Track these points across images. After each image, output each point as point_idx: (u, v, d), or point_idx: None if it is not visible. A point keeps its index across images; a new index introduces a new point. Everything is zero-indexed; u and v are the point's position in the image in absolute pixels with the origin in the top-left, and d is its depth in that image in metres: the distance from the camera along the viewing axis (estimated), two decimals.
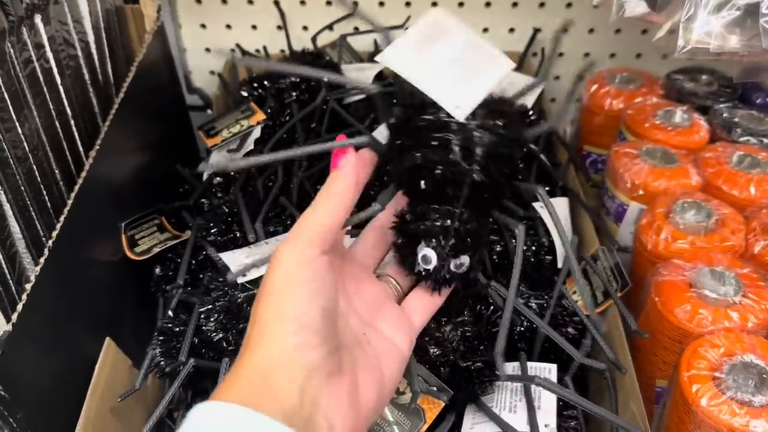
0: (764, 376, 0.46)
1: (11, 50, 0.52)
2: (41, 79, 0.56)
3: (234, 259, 0.53)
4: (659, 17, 0.52)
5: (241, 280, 0.51)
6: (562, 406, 0.51)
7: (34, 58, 0.55)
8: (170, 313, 0.55)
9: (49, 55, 0.58)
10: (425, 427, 0.48)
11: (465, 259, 0.42)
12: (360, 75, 0.85)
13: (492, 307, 0.53)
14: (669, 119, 0.68)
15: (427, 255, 0.42)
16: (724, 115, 0.69)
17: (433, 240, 0.42)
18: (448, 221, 0.42)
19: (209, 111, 0.91)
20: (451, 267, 0.42)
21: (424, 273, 0.43)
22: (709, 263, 0.53)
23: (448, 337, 0.49)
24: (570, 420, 0.51)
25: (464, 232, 0.42)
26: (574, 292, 0.61)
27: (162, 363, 0.52)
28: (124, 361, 0.58)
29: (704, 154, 0.64)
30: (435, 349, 0.49)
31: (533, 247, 0.62)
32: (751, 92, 0.74)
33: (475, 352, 0.50)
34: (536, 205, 0.63)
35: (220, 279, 0.53)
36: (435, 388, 0.48)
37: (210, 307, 0.52)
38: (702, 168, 0.63)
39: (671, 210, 0.58)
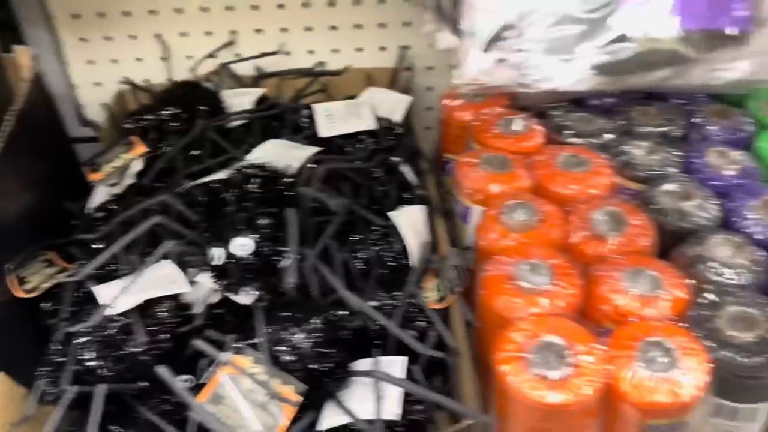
0: (562, 353, 0.54)
1: None
2: None
3: (105, 292, 0.59)
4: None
5: (111, 312, 0.57)
6: (408, 394, 0.59)
7: None
8: (53, 345, 0.60)
9: None
10: (285, 424, 0.55)
11: (244, 241, 0.53)
12: (241, 100, 0.90)
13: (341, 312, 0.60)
14: (508, 127, 0.76)
15: (212, 253, 0.54)
16: (556, 119, 0.77)
17: (213, 242, 0.55)
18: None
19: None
20: (237, 252, 0.54)
21: (219, 269, 0.54)
22: (527, 257, 0.61)
23: (300, 344, 0.56)
24: (415, 404, 0.59)
25: (232, 224, 0.54)
26: (429, 290, 0.68)
27: (46, 392, 0.57)
28: (20, 393, 0.63)
29: (536, 158, 0.73)
30: (288, 357, 0.56)
31: (390, 254, 0.69)
32: (588, 96, 0.82)
33: (326, 356, 0.57)
34: (391, 215, 0.71)
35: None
36: (292, 386, 0.55)
37: (89, 338, 0.58)
38: (534, 170, 0.72)
39: (502, 211, 0.66)
